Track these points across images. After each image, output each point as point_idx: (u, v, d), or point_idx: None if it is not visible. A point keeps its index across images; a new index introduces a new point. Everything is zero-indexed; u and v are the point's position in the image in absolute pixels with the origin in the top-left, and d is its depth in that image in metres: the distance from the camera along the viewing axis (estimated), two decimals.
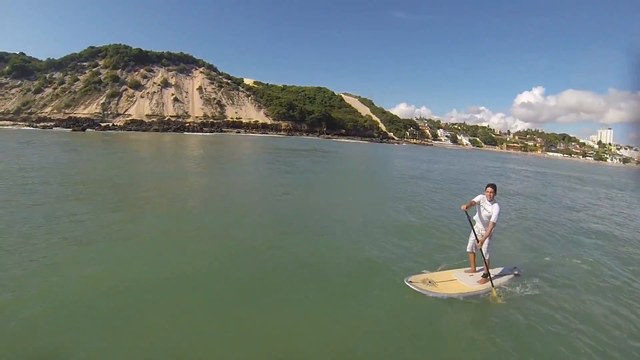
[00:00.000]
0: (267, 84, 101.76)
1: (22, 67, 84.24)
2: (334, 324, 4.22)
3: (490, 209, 5.16)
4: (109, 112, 79.75)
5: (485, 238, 5.21)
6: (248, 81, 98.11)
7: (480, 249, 5.29)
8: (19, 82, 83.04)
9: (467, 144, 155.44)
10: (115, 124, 77.71)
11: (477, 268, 5.68)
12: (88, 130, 74.00)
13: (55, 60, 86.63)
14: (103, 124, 76.65)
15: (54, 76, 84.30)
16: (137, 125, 78.10)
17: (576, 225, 10.85)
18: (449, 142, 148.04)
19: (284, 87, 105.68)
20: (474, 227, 5.48)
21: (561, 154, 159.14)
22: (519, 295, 5.31)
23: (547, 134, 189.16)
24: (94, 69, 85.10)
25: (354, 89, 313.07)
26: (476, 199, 5.38)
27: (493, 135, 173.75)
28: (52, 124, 76.70)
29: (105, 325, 3.87)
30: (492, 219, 5.05)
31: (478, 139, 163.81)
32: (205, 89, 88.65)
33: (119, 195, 10.38)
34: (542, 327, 4.49)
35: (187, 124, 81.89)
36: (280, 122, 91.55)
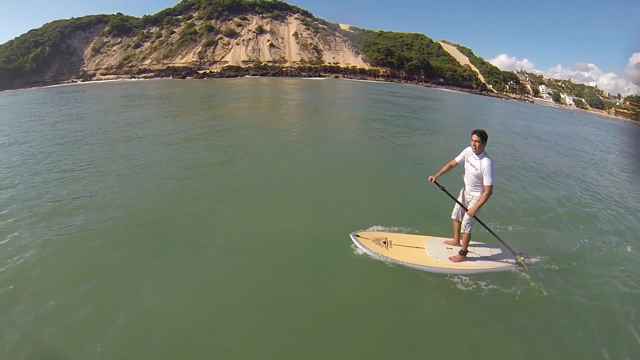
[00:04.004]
0: (364, 29, 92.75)
1: (121, 26, 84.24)
2: None
3: (478, 165, 3.81)
4: (206, 60, 75.79)
5: (478, 207, 3.85)
6: (344, 27, 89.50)
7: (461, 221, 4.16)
8: (119, 39, 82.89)
9: (570, 104, 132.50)
10: (212, 70, 73.72)
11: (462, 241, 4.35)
12: (187, 78, 71.70)
13: (151, 16, 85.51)
14: (200, 72, 73.31)
15: (151, 31, 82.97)
16: (234, 71, 73.44)
17: None
18: (550, 100, 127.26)
19: (380, 32, 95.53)
20: (462, 191, 4.17)
21: None
22: (509, 292, 3.92)
23: None
24: (188, 21, 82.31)
25: (452, 37, 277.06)
26: (457, 159, 4.10)
27: (601, 98, 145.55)
28: (152, 74, 75.12)
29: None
30: (486, 182, 3.73)
31: (583, 100, 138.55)
32: (301, 34, 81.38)
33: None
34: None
35: (284, 69, 75.36)
36: (378, 68, 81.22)
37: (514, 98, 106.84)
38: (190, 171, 7.59)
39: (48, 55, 77.00)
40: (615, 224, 6.46)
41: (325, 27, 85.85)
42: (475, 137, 3.79)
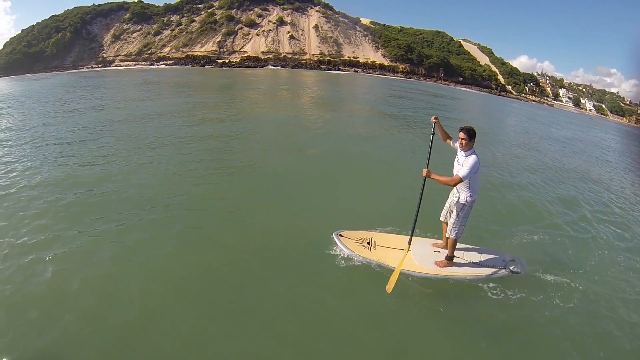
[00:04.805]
0: (384, 25, 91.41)
1: (142, 14, 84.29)
2: None
3: (463, 162, 3.63)
4: (225, 50, 75.37)
5: (436, 178, 3.58)
6: (365, 21, 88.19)
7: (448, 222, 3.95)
8: (139, 27, 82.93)
9: (590, 110, 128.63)
10: (231, 60, 73.21)
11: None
12: (206, 66, 71.37)
13: (172, 4, 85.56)
14: (220, 61, 72.92)
15: (171, 19, 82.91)
16: (253, 61, 72.81)
17: None
18: (570, 104, 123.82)
19: (401, 28, 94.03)
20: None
21: None
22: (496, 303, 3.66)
23: None
24: (209, 10, 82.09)
25: (473, 36, 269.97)
26: (453, 143, 3.91)
27: (622, 105, 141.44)
28: (171, 62, 74.92)
29: None
30: (460, 172, 3.54)
31: (604, 106, 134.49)
32: (321, 27, 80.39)
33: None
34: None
35: (303, 61, 74.54)
36: (397, 64, 79.84)
37: (533, 100, 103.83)
38: (212, 167, 7.52)
39: (69, 40, 77.30)
40: None
41: (345, 20, 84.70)
42: (462, 134, 3.57)
